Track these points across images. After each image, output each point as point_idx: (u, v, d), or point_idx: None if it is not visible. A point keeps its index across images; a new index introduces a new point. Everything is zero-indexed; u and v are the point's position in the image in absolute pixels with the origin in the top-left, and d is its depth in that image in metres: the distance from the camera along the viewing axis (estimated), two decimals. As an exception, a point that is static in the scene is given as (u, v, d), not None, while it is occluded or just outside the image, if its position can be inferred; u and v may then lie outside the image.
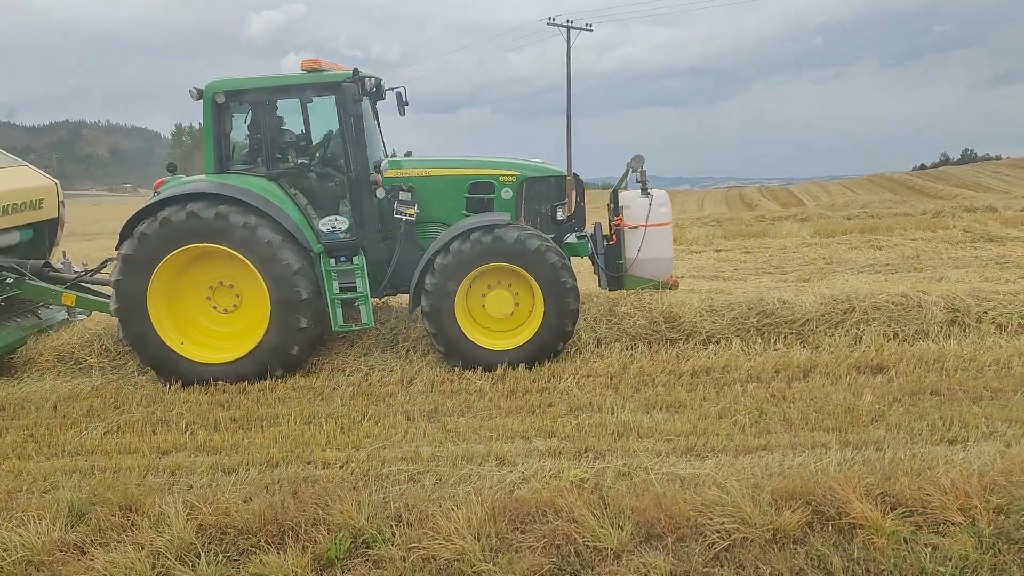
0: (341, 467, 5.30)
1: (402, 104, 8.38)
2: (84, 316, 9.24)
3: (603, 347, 7.75)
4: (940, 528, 4.04)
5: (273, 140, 7.77)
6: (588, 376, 7.01)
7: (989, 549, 3.80)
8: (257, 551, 4.13)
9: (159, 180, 8.09)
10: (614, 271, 8.15)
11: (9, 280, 8.32)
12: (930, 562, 3.75)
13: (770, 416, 5.83)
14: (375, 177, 7.68)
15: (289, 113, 8.07)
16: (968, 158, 75.02)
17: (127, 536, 4.26)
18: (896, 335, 7.59)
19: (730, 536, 4.05)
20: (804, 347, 7.50)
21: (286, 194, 7.59)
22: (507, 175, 8.02)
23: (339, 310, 7.59)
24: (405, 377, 7.24)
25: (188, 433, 6.12)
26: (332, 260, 7.59)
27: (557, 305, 7.25)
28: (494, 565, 3.92)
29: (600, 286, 8.33)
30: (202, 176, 7.77)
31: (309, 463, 5.43)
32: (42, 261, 8.80)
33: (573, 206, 8.76)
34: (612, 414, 6.02)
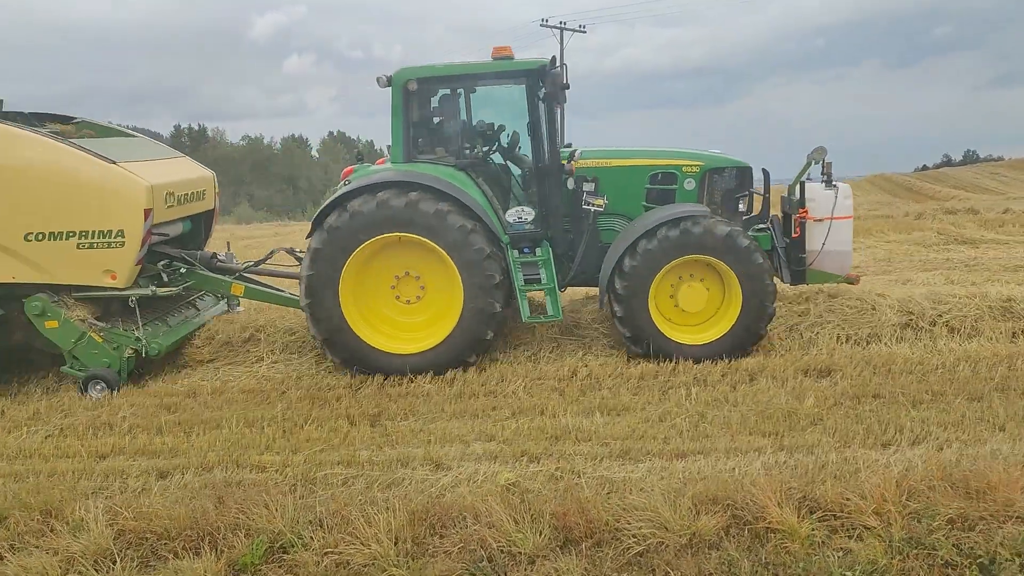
0: (276, 471, 5.28)
1: (562, 87, 7.58)
2: (240, 308, 9.19)
3: (560, 349, 7.78)
4: (855, 533, 4.05)
5: (461, 129, 7.73)
6: (538, 380, 7.01)
7: (897, 554, 3.81)
8: (172, 557, 4.12)
9: (348, 169, 8.00)
10: (797, 265, 7.86)
11: (183, 270, 8.24)
12: (838, 567, 3.76)
13: (710, 420, 5.84)
14: (570, 167, 7.60)
15: (474, 101, 8.01)
16: (970, 159, 74.92)
17: (44, 541, 4.25)
18: (849, 338, 7.62)
19: (646, 541, 4.06)
20: (757, 350, 7.52)
21: (474, 183, 7.51)
22: (690, 165, 7.90)
23: (526, 302, 7.47)
24: (354, 381, 7.22)
25: (129, 436, 6.09)
26: (514, 252, 7.51)
27: (756, 306, 7.17)
28: (406, 570, 3.92)
29: (783, 281, 8.01)
30: (390, 165, 7.70)
31: (245, 467, 5.41)
32: (210, 252, 8.71)
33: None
34: (553, 418, 6.02)
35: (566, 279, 7.84)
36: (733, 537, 4.08)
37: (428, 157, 7.65)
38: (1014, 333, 7.60)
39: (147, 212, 7.22)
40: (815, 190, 7.90)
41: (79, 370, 7.33)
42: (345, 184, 7.54)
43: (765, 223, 8.14)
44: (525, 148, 8.02)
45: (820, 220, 7.83)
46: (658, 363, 7.15)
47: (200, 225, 8.88)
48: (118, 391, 7.19)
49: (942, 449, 5.11)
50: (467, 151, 7.86)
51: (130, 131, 8.55)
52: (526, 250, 7.61)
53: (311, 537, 4.22)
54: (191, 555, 4.11)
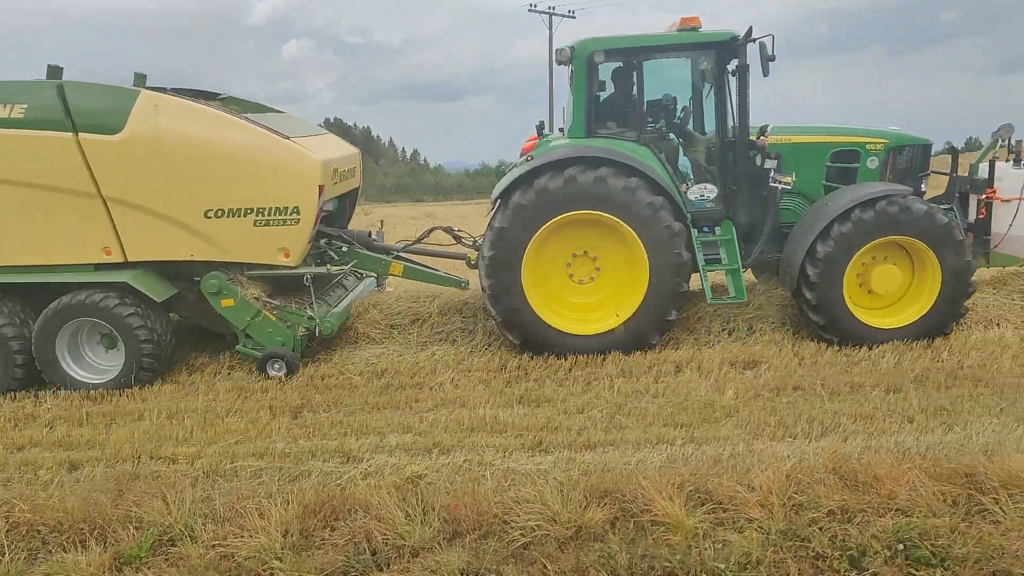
0: (188, 463, 5.29)
1: (767, 59, 7.04)
2: (389, 288, 9.07)
3: (499, 341, 7.78)
4: (739, 525, 4.09)
5: (644, 103, 7.49)
6: (468, 372, 7.03)
7: (772, 546, 3.85)
8: (59, 550, 4.12)
9: (530, 141, 7.70)
10: (981, 247, 7.60)
11: (344, 249, 8.12)
12: (713, 559, 3.80)
13: (627, 412, 5.87)
14: (762, 143, 7.36)
15: (653, 74, 7.66)
16: (972, 146, 74.76)
17: (-67, 534, 4.24)
18: (787, 327, 7.65)
19: (532, 534, 4.08)
20: (695, 341, 7.55)
21: (657, 159, 7.33)
22: (875, 143, 7.65)
23: (708, 283, 7.29)
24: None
25: (49, 428, 6.09)
26: (695, 231, 7.32)
27: (954, 286, 7.00)
28: (288, 563, 3.93)
29: None
30: (567, 140, 7.50)
31: (158, 459, 5.41)
32: (367, 231, 8.57)
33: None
34: (473, 409, 6.04)
35: (748, 260, 7.60)
36: (618, 529, 4.11)
37: (607, 132, 7.46)
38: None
39: (320, 188, 7.07)
40: (1005, 170, 7.59)
41: (254, 349, 7.26)
42: (528, 159, 7.27)
43: (950, 203, 7.86)
44: (694, 122, 7.85)
45: (1008, 201, 7.53)
46: (587, 356, 7.16)
47: (344, 204, 8.69)
48: (296, 372, 7.13)
49: (847, 440, 5.15)
50: (649, 125, 7.64)
51: (272, 107, 8.26)
52: (705, 229, 7.42)
53: (202, 530, 4.22)
54: (78, 548, 4.11)
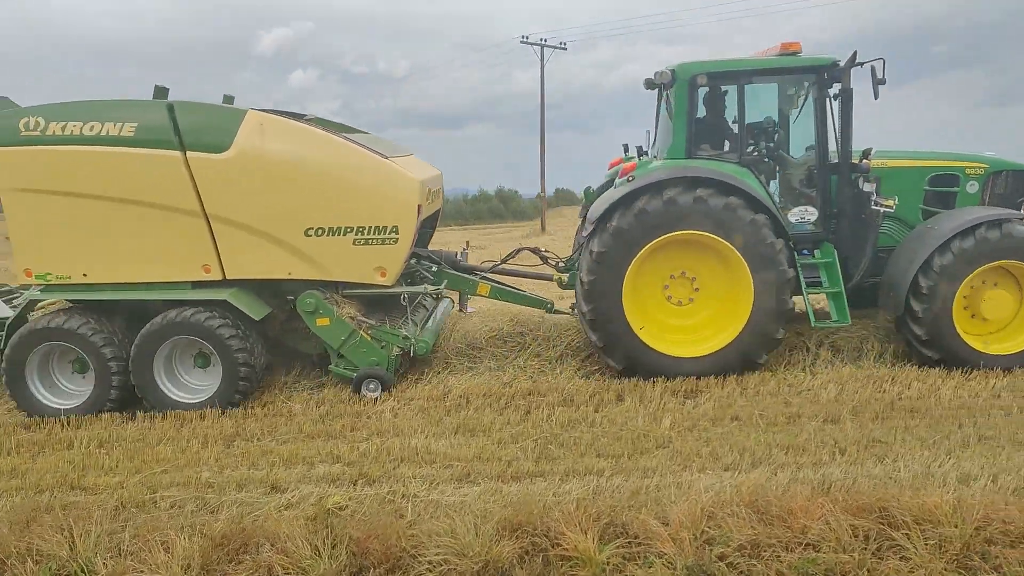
0: (110, 493, 5.19)
1: (877, 83, 7.05)
2: (472, 309, 8.98)
3: (448, 368, 7.73)
4: (649, 560, 4.03)
5: (745, 125, 7.53)
6: (411, 400, 6.96)
7: (675, 582, 3.79)
8: (-47, 584, 4.02)
9: (627, 165, 7.57)
10: None
11: (434, 269, 8.06)
12: (616, 595, 3.73)
13: (561, 442, 5.81)
14: (866, 165, 7.32)
15: (752, 97, 7.68)
16: None
17: None
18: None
19: (439, 568, 4.01)
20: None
21: (758, 181, 7.31)
22: (975, 167, 7.66)
23: (810, 306, 7.25)
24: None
25: (-24, 457, 5.97)
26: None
27: None
28: (184, 599, 3.84)
29: None
30: (666, 161, 7.48)
31: (80, 489, 5.31)
32: (455, 251, 8.58)
33: None
34: (407, 439, 5.97)
35: (850, 283, 7.51)
36: (527, 564, 4.04)
37: (707, 154, 7.48)
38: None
39: (419, 208, 7.07)
40: None
41: (346, 369, 7.21)
42: (628, 180, 7.19)
43: None
44: (794, 145, 7.83)
45: None
46: (534, 382, 7.11)
47: (427, 225, 8.56)
48: (391, 392, 7.07)
49: (776, 473, 5.10)
50: (749, 148, 7.68)
51: (356, 128, 8.21)
52: (805, 252, 7.39)
53: (103, 565, 4.13)
54: (-28, 582, 4.01)
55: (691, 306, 7.35)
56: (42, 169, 6.73)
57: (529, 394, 6.93)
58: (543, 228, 36.00)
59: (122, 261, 6.95)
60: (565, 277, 8.39)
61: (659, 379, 7.11)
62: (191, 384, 7.16)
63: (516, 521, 4.29)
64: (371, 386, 7.05)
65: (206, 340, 6.89)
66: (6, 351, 6.95)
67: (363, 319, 7.34)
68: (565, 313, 8.56)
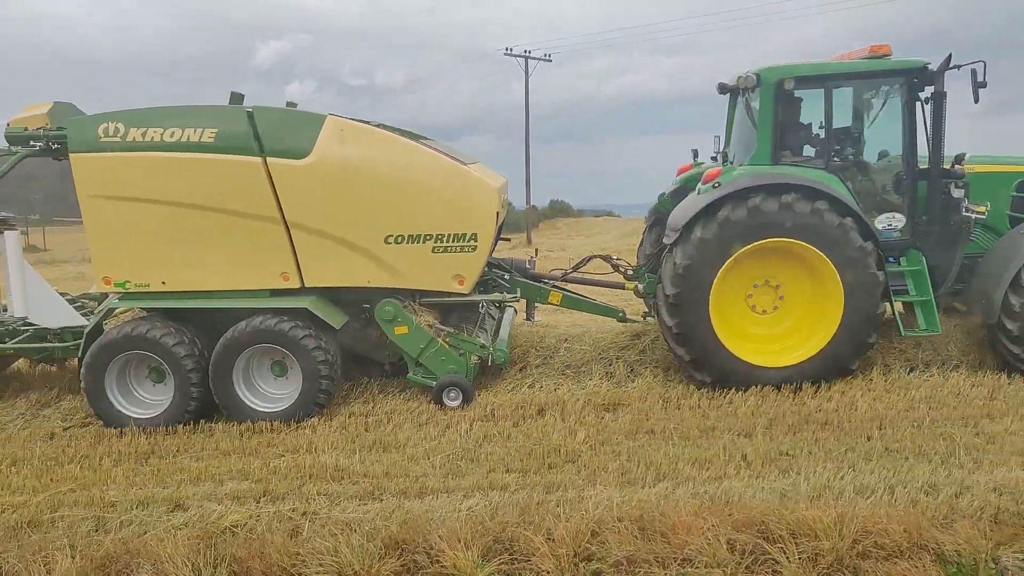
0: (10, 512, 5.14)
1: (978, 86, 6.89)
2: (539, 319, 8.86)
3: (386, 387, 7.71)
4: (530, 576, 4.04)
5: (832, 130, 7.38)
6: (330, 417, 6.93)
7: (546, 599, 3.80)
8: None
9: (711, 171, 7.40)
10: None
11: (506, 277, 7.99)
12: (485, 613, 3.74)
13: (473, 457, 5.82)
14: (960, 170, 7.18)
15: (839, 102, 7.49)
16: None
17: None
18: (668, 368, 7.68)
19: (317, 587, 4.00)
20: (576, 382, 7.55)
21: (845, 187, 7.20)
22: None
23: (898, 314, 7.17)
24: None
25: None
26: None
27: None
28: (53, 621, 3.82)
29: None
30: (750, 167, 7.34)
31: (-24, 509, 5.26)
32: (524, 259, 8.46)
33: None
34: (319, 455, 5.96)
35: (940, 291, 7.41)
36: (406, 581, 4.05)
37: (790, 160, 7.39)
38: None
39: (497, 216, 7.01)
40: None
41: (425, 377, 7.18)
42: (714, 187, 7.07)
43: None
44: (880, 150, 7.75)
45: None
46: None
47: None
48: (471, 401, 7.02)
49: (679, 486, 5.13)
50: (835, 154, 7.54)
51: (421, 134, 7.99)
52: (891, 260, 7.30)
53: (-21, 586, 4.10)
54: None
55: (775, 314, 7.30)
56: (122, 176, 6.69)
57: (446, 412, 6.92)
58: (528, 241, 36.08)
59: (201, 269, 6.92)
60: (641, 286, 8.32)
61: (594, 390, 7.15)
62: (268, 393, 7.12)
63: (401, 539, 4.30)
64: (451, 394, 7.02)
65: (287, 348, 6.84)
66: (85, 360, 6.87)
67: (441, 327, 7.33)
68: (636, 322, 8.54)
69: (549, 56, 48.51)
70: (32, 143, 7.11)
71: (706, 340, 7.02)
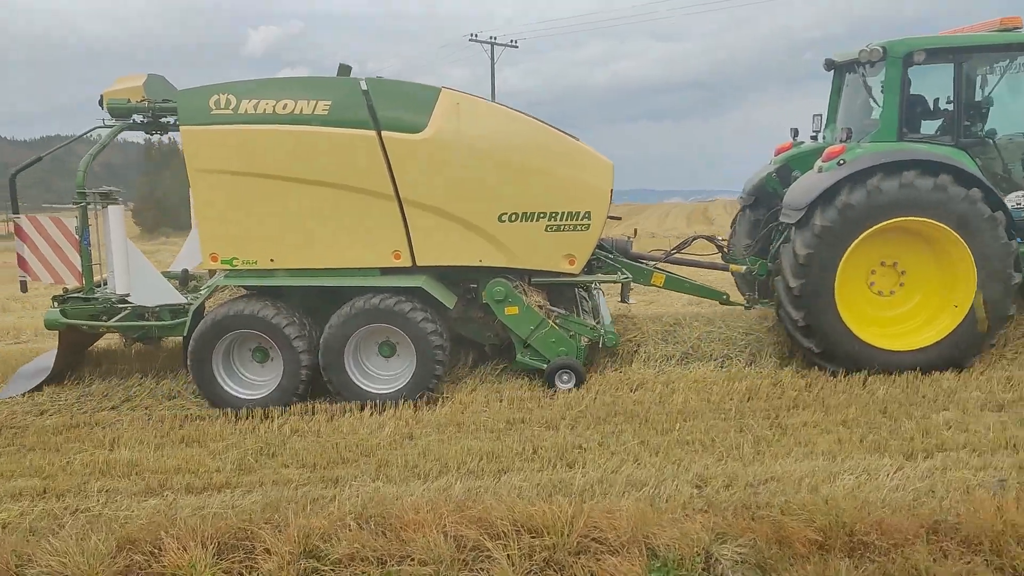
0: None
1: None
2: (633, 300, 8.65)
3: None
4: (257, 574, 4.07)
5: (964, 106, 7.20)
6: (149, 408, 6.92)
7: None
8: None
9: (834, 148, 7.20)
10: None
11: (610, 258, 7.80)
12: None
13: (273, 452, 5.83)
14: None
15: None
16: None
17: None
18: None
19: (39, 586, 4.00)
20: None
21: (975, 164, 7.00)
22: None
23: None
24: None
25: None
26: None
27: None
28: None
29: None
30: (874, 144, 7.17)
31: None
32: (624, 239, 8.23)
33: None
34: (122, 450, 5.91)
35: None
36: (129, 580, 4.05)
37: (916, 136, 7.24)
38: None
39: (611, 194, 6.89)
40: None
41: (534, 360, 7.08)
42: (839, 164, 6.93)
43: None
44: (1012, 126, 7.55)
45: None
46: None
47: None
48: (583, 384, 6.92)
49: (457, 483, 5.15)
50: (967, 130, 7.37)
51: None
52: (1020, 240, 7.10)
53: None
54: None
55: (898, 295, 7.23)
56: (233, 149, 6.55)
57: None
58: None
59: (311, 246, 6.78)
60: (742, 268, 8.25)
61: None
62: (376, 374, 7.04)
63: (133, 537, 4.30)
64: (564, 377, 6.96)
65: (404, 329, 6.74)
66: (193, 338, 6.76)
67: (552, 308, 7.21)
68: (739, 305, 8.42)
69: (515, 42, 48.30)
70: (135, 116, 7.03)
71: (834, 330, 6.97)
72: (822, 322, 6.98)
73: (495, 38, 46.60)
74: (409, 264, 6.88)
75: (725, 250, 8.61)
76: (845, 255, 6.87)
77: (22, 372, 7.91)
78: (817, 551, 4.07)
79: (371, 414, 6.55)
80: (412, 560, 4.06)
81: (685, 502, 4.63)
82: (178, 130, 7.03)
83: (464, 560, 4.06)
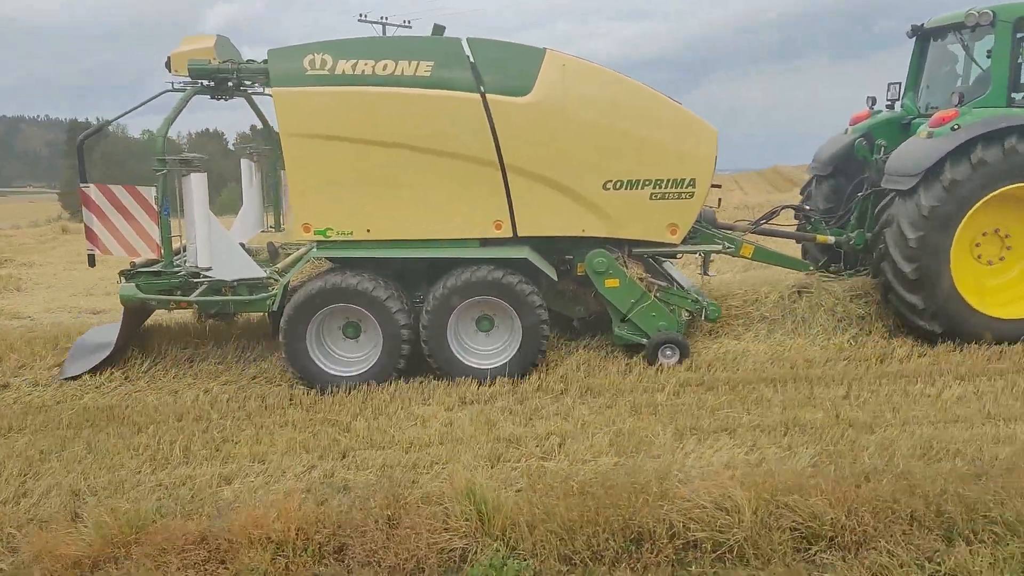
0: None
1: None
2: (713, 273, 8.48)
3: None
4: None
5: None
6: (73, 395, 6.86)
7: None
8: None
9: (945, 113, 7.06)
10: None
11: (705, 228, 7.52)
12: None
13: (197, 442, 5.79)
14: None
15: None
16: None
17: None
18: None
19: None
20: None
21: None
22: None
23: None
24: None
25: None
26: None
27: None
28: None
29: None
30: (986, 110, 7.08)
31: None
32: (711, 208, 7.88)
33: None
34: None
35: None
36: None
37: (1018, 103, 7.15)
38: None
39: (715, 161, 6.74)
40: None
41: (632, 334, 6.91)
42: (953, 129, 6.84)
43: None
44: None
45: None
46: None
47: None
48: (687, 359, 6.80)
49: (312, 469, 5.29)
50: None
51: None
52: None
53: None
54: None
55: (1002, 264, 7.22)
56: (330, 113, 6.27)
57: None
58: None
59: (410, 216, 6.50)
60: (830, 239, 8.03)
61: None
62: (475, 348, 6.86)
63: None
64: (667, 352, 6.79)
65: (509, 301, 6.54)
66: (287, 312, 6.55)
67: (653, 280, 7.01)
68: (821, 272, 8.36)
69: (408, 23, 45.32)
70: (217, 77, 6.66)
71: (944, 288, 6.90)
72: (933, 278, 6.87)
73: (385, 18, 43.14)
74: (510, 235, 6.60)
75: (812, 220, 8.34)
76: (970, 212, 6.78)
77: (79, 346, 7.56)
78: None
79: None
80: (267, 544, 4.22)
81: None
82: (243, 94, 6.87)
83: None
